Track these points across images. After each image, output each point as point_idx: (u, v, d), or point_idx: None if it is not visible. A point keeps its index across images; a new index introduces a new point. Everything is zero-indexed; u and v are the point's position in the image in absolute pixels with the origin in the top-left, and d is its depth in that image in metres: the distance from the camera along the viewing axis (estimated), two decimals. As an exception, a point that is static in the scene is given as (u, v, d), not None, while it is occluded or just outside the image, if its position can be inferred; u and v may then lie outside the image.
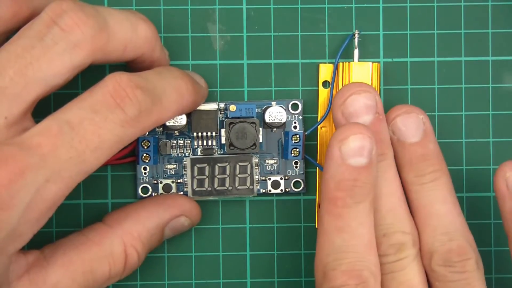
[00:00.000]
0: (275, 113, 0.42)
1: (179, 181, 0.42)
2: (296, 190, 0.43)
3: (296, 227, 0.44)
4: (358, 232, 0.37)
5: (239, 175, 0.42)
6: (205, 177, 0.42)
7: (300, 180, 0.43)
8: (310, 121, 0.43)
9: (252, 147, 0.41)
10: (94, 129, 0.34)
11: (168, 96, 0.37)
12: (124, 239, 0.39)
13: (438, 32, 0.44)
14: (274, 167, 0.43)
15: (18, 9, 0.37)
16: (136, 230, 0.39)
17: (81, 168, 0.34)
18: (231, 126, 0.41)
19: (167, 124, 0.41)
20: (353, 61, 0.42)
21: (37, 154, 0.33)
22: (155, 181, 0.42)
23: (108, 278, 0.38)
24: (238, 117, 0.41)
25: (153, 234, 0.40)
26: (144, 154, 0.41)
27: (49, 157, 0.34)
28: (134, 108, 0.35)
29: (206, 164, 0.42)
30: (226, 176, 0.42)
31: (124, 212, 0.40)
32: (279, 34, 0.43)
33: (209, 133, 0.42)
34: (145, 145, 0.41)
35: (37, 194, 0.34)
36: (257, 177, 0.43)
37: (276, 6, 0.43)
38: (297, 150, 0.42)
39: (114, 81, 0.35)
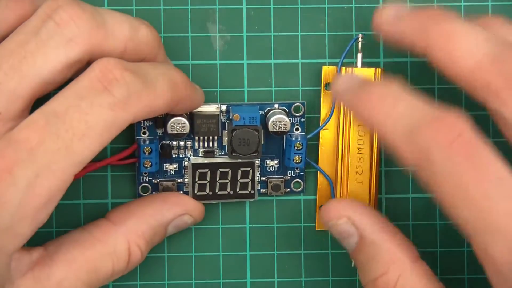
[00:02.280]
0: (279, 122, 0.41)
1: (179, 181, 0.42)
2: (296, 190, 0.43)
3: (296, 227, 0.44)
4: None
5: (240, 180, 0.42)
6: (206, 182, 0.42)
7: (300, 181, 0.43)
8: (310, 121, 0.43)
9: (254, 154, 0.41)
10: (80, 116, 0.34)
11: (161, 83, 0.36)
12: (128, 237, 0.39)
13: (438, 32, 0.43)
14: (274, 168, 0.43)
15: (22, 11, 0.36)
16: (140, 228, 0.39)
17: (71, 159, 0.34)
18: (233, 132, 0.41)
19: (170, 131, 0.41)
20: (356, 65, 0.42)
21: (25, 148, 0.33)
22: (155, 181, 0.42)
23: (111, 275, 0.38)
24: (242, 126, 0.41)
25: (157, 232, 0.40)
26: (146, 160, 0.41)
27: (37, 151, 0.33)
28: (122, 89, 0.34)
29: (207, 169, 0.41)
30: (228, 181, 0.42)
31: (128, 209, 0.40)
32: (279, 34, 0.43)
33: (211, 137, 0.42)
34: (147, 151, 0.41)
35: (28, 190, 0.33)
36: (257, 177, 0.43)
37: (276, 6, 0.43)
38: (300, 157, 0.42)
39: (101, 65, 0.35)
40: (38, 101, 0.36)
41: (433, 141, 0.33)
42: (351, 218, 0.38)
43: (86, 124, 0.34)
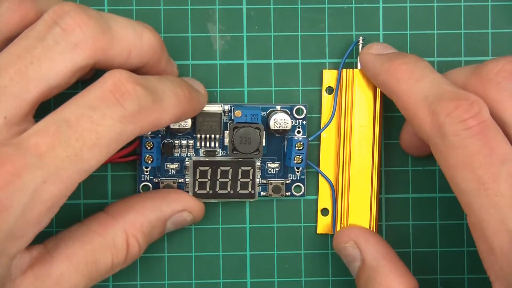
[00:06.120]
0: (280, 120, 0.42)
1: (180, 180, 0.42)
2: (297, 194, 0.43)
3: (296, 227, 0.44)
4: None
5: (241, 180, 0.42)
6: (207, 180, 0.42)
7: (301, 185, 0.43)
8: (310, 122, 0.43)
9: (255, 152, 0.41)
10: (92, 127, 0.34)
11: (168, 99, 0.37)
12: (126, 229, 0.39)
13: (438, 32, 0.44)
14: (275, 171, 0.43)
15: (24, 14, 0.37)
16: (138, 222, 0.39)
17: (79, 167, 0.34)
18: (235, 130, 0.41)
19: (172, 126, 0.41)
20: (357, 67, 0.42)
21: (34, 154, 0.33)
22: (156, 180, 0.42)
23: (110, 268, 0.38)
24: (243, 123, 0.41)
25: (155, 226, 0.40)
26: (147, 155, 0.41)
27: (46, 157, 0.33)
28: (134, 103, 0.35)
29: (208, 167, 0.42)
30: (228, 180, 0.42)
31: (127, 203, 0.40)
32: (279, 34, 0.43)
33: (212, 135, 0.42)
34: (149, 146, 0.41)
35: (35, 195, 0.33)
36: (258, 180, 0.43)
37: (276, 6, 0.43)
38: (300, 157, 0.42)
39: (114, 77, 0.35)
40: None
41: (450, 115, 0.35)
42: (357, 242, 0.40)
43: (96, 134, 0.34)
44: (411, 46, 0.43)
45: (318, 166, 0.43)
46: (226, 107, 0.42)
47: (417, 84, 0.37)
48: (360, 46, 0.42)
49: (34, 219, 0.34)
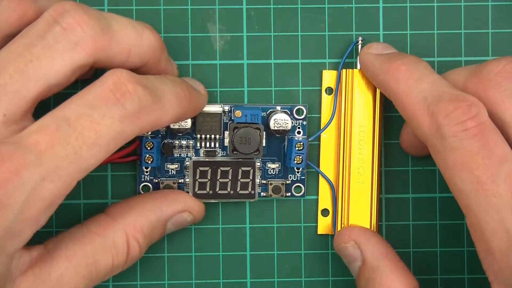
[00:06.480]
0: (280, 121, 0.42)
1: (180, 181, 0.42)
2: (297, 194, 0.43)
3: (296, 227, 0.44)
4: None
5: (241, 180, 0.42)
6: (207, 180, 0.42)
7: (301, 185, 0.43)
8: (310, 122, 0.43)
9: (255, 153, 0.41)
10: (91, 126, 0.34)
11: (168, 99, 0.37)
12: (126, 230, 0.39)
13: (438, 32, 0.44)
14: (275, 171, 0.43)
15: (24, 12, 0.37)
16: (138, 223, 0.39)
17: (78, 166, 0.34)
18: (235, 130, 0.41)
19: (172, 126, 0.41)
20: (356, 67, 0.42)
21: (33, 152, 0.33)
22: (156, 181, 0.42)
23: (111, 269, 0.38)
24: (243, 123, 0.41)
25: (155, 227, 0.40)
26: (147, 155, 0.41)
27: (45, 155, 0.33)
28: (134, 103, 0.35)
29: (208, 168, 0.42)
30: (228, 180, 0.42)
31: (127, 205, 0.40)
32: (279, 34, 0.43)
33: (212, 136, 0.42)
34: (148, 146, 0.41)
35: (33, 193, 0.33)
36: (258, 180, 0.43)
37: (276, 6, 0.43)
38: (300, 157, 0.42)
39: (115, 76, 0.35)
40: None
41: (449, 116, 0.36)
42: (357, 242, 0.40)
43: (96, 134, 0.34)
44: (411, 46, 0.43)
45: (318, 166, 0.43)
46: (226, 107, 0.42)
47: (416, 85, 0.38)
48: (360, 46, 0.42)
49: (33, 217, 0.34)
